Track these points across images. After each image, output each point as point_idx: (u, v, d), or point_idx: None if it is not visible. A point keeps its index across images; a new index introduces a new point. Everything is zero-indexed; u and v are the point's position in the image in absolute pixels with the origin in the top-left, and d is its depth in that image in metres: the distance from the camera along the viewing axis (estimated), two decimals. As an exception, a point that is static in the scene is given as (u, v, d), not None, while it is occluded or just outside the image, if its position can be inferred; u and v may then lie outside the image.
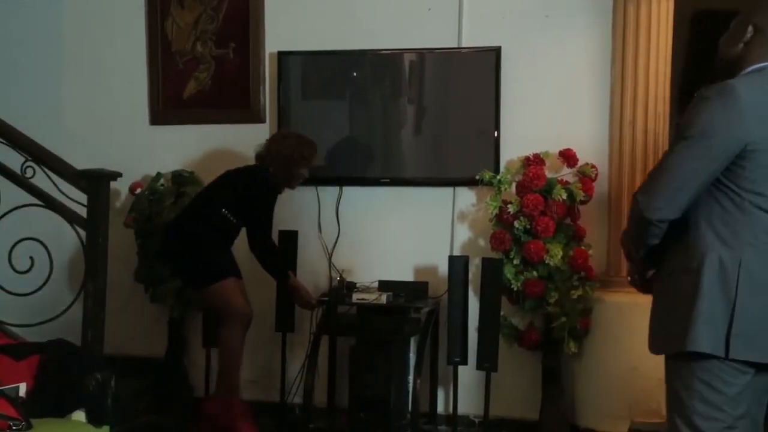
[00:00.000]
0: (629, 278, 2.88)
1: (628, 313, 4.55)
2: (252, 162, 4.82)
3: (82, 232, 4.09)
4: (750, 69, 2.59)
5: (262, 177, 4.65)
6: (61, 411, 3.36)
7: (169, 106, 5.43)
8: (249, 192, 4.61)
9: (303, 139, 4.73)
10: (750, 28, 2.60)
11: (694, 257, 2.54)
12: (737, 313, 2.50)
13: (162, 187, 5.21)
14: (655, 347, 2.69)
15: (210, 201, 4.66)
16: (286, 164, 4.64)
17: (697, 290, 2.51)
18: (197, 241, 4.59)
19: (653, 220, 2.55)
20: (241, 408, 4.61)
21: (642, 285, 2.82)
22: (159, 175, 5.25)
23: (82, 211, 4.19)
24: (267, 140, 4.79)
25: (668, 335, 2.60)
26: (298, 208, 5.03)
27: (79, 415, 3.37)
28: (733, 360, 2.51)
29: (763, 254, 2.53)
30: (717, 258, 2.52)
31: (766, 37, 2.58)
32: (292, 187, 4.74)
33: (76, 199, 4.15)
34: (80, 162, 4.32)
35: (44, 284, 4.12)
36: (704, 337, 2.50)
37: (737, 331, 2.49)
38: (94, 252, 4.04)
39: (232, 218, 4.61)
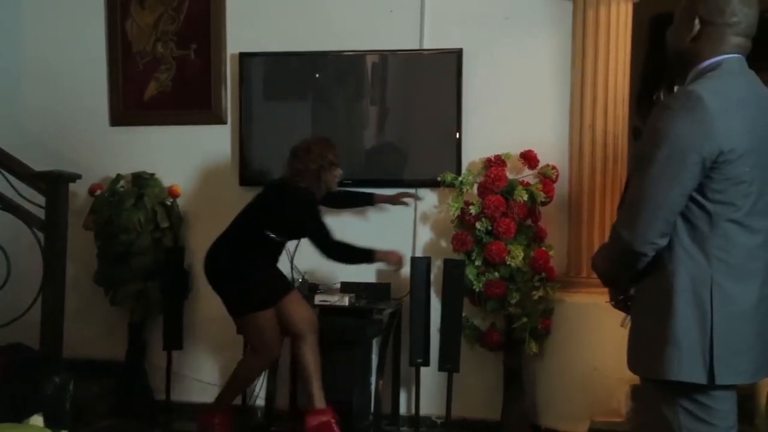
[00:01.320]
0: (612, 302, 2.70)
1: (588, 313, 4.59)
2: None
3: (40, 235, 4.06)
4: (704, 65, 2.45)
5: (304, 198, 4.52)
6: (19, 415, 3.33)
7: (129, 107, 5.39)
8: (298, 216, 4.52)
9: (322, 144, 4.58)
10: (696, 21, 2.45)
11: (664, 277, 2.42)
12: (716, 336, 2.38)
13: (122, 189, 5.17)
14: (633, 367, 2.58)
15: (252, 224, 4.55)
16: (318, 176, 4.53)
17: (669, 314, 2.40)
18: (238, 267, 4.51)
19: (647, 253, 2.40)
20: (221, 420, 4.63)
21: (625, 306, 2.66)
22: (119, 176, 5.21)
23: (41, 213, 4.17)
24: (289, 162, 4.60)
25: (644, 359, 2.49)
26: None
27: (38, 420, 3.34)
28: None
29: (735, 268, 2.41)
30: (687, 277, 2.40)
31: (715, 29, 2.44)
32: (332, 188, 4.63)
33: (34, 201, 4.11)
34: (38, 163, 4.29)
35: (1, 287, 4.07)
36: (678, 365, 2.39)
37: (719, 354, 2.37)
38: (52, 254, 4.02)
39: (276, 238, 4.55)
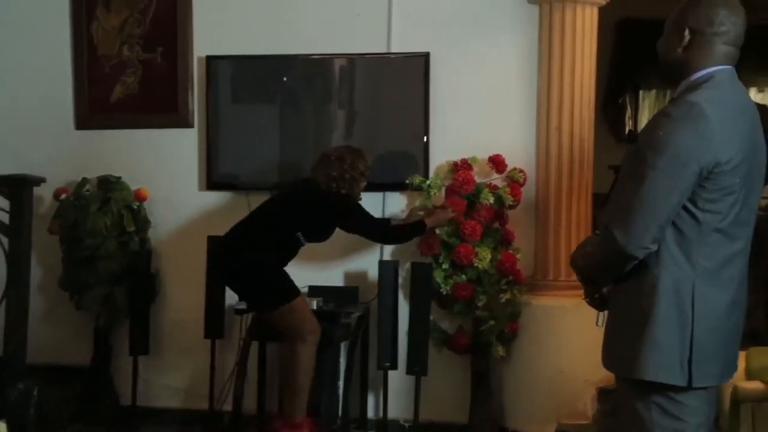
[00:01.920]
0: (586, 299, 2.76)
1: (555, 316, 4.62)
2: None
3: (4, 239, 4.02)
4: (697, 76, 2.52)
5: (346, 201, 4.52)
6: (-18, 422, 3.30)
7: (95, 110, 5.35)
8: (345, 218, 4.53)
9: (353, 154, 4.56)
10: (686, 32, 2.52)
11: (647, 280, 2.49)
12: (695, 340, 2.46)
13: (88, 193, 5.13)
14: (608, 365, 2.65)
15: (285, 225, 4.50)
16: (354, 183, 4.54)
17: (650, 316, 2.47)
18: (267, 262, 4.43)
19: (639, 257, 2.46)
20: (312, 427, 4.52)
21: (601, 304, 2.73)
22: (85, 180, 5.17)
23: (5, 218, 4.12)
24: (320, 166, 4.55)
25: (621, 357, 2.55)
26: (228, 214, 4.99)
27: (1, 426, 3.32)
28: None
29: (715, 274, 2.49)
30: (671, 281, 2.47)
31: (704, 39, 2.51)
32: (358, 199, 4.62)
33: (-3, 204, 4.07)
34: (2, 167, 4.25)
35: (-36, 292, 4.03)
36: (656, 366, 2.46)
37: (697, 357, 2.46)
38: (16, 259, 3.99)
39: (303, 240, 4.52)
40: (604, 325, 2.68)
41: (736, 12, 2.52)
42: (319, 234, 4.59)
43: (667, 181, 2.40)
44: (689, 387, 2.48)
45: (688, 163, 2.39)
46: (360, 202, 4.58)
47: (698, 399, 2.53)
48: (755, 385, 3.30)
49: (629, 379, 2.54)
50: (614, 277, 2.58)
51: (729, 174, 2.43)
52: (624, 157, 2.70)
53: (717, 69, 2.50)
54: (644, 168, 2.42)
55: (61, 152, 5.32)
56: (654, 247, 2.45)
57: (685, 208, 2.45)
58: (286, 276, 4.46)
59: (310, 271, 4.92)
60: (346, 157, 4.52)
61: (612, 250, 2.48)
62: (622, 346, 2.54)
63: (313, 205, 4.53)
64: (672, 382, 2.46)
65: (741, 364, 3.70)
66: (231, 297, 4.82)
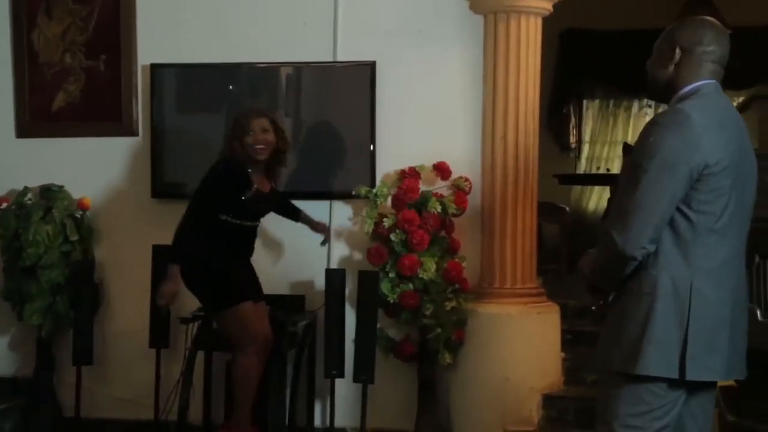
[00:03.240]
0: (594, 308, 2.98)
1: (501, 324, 4.66)
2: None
3: (-56, 249, 3.95)
4: (685, 90, 2.71)
5: (214, 165, 4.42)
6: None
7: (36, 118, 5.27)
8: (202, 181, 4.40)
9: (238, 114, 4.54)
10: (678, 50, 2.72)
11: (647, 280, 2.64)
12: (690, 337, 2.60)
13: (30, 202, 5.06)
14: (598, 363, 2.79)
15: (204, 206, 4.38)
16: (229, 144, 4.40)
17: (650, 315, 2.61)
18: (202, 258, 4.33)
19: (637, 257, 2.61)
20: None
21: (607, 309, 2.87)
22: (26, 189, 5.10)
23: (-56, 227, 4.05)
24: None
25: (618, 356, 2.67)
26: (174, 223, 4.95)
27: (-60, 440, 3.25)
28: (663, 379, 2.62)
29: (712, 274, 2.64)
30: (669, 281, 2.62)
31: (693, 56, 2.71)
32: (254, 157, 4.38)
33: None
34: (-58, 177, 4.18)
35: None
36: (657, 362, 2.60)
37: (691, 353, 2.60)
38: (-44, 270, 3.91)
39: (236, 221, 4.37)
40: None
41: (723, 33, 2.75)
42: (240, 208, 4.38)
43: (658, 183, 2.57)
44: (686, 383, 2.63)
45: (677, 166, 2.56)
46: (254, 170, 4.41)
47: (668, 396, 2.66)
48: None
49: (618, 373, 2.67)
50: (618, 281, 2.71)
51: (719, 176, 2.60)
52: (621, 169, 2.84)
53: (703, 83, 2.71)
54: (638, 173, 2.60)
55: (1, 161, 5.24)
56: (652, 248, 2.61)
57: (679, 210, 2.61)
58: (235, 280, 4.40)
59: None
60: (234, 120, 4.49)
61: (613, 253, 2.64)
62: (623, 344, 2.66)
63: (209, 175, 4.41)
64: (666, 375, 2.61)
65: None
66: (176, 307, 4.77)
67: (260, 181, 4.47)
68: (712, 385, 2.76)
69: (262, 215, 4.59)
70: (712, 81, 2.73)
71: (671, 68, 2.74)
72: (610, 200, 2.94)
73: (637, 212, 2.58)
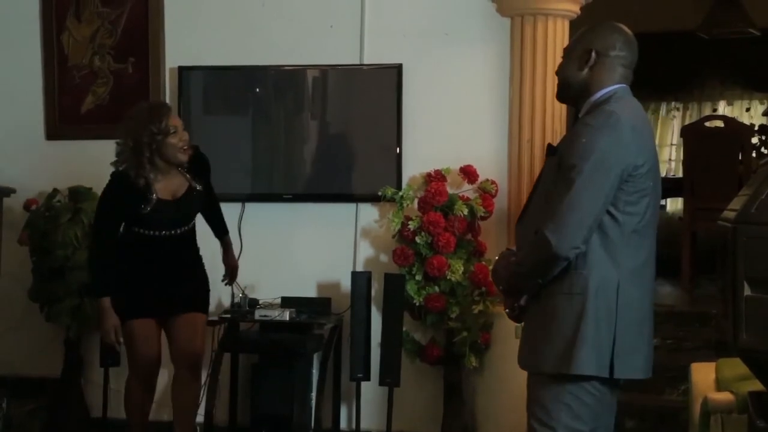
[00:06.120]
0: (507, 311, 2.91)
1: (527, 327, 4.63)
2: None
3: (-26, 250, 3.98)
4: (601, 93, 2.75)
5: (111, 180, 4.12)
6: (-50, 435, 3.26)
7: (66, 120, 5.32)
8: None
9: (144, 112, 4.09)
10: (593, 54, 2.76)
11: (577, 281, 2.67)
12: (618, 336, 2.66)
13: (59, 204, 5.09)
14: (527, 365, 2.80)
15: (100, 232, 4.14)
16: (137, 153, 4.01)
17: (582, 315, 2.65)
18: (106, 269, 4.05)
19: (570, 257, 2.64)
20: None
21: (519, 315, 2.88)
22: (56, 191, 5.13)
23: (-26, 229, 4.08)
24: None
25: (551, 356, 2.69)
26: (199, 224, 4.97)
27: (-30, 440, 3.28)
28: (595, 378, 2.67)
29: (636, 275, 2.70)
30: (599, 281, 2.66)
31: (608, 61, 2.77)
32: (178, 161, 4.00)
33: (-33, 216, 4.04)
34: (-28, 178, 4.21)
35: (-67, 304, 3.99)
36: (590, 361, 2.65)
37: (618, 352, 2.66)
38: (-15, 271, 3.94)
39: (148, 232, 4.03)
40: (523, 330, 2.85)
41: (632, 40, 2.82)
42: (147, 220, 4.00)
43: (593, 184, 2.61)
44: (611, 380, 2.69)
45: (611, 167, 2.62)
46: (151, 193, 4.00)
47: (605, 396, 2.73)
48: (724, 396, 3.34)
49: (548, 374, 2.70)
50: (542, 282, 2.72)
51: (644, 177, 2.68)
52: (542, 171, 2.89)
53: (617, 87, 2.76)
54: (572, 174, 2.63)
55: (31, 163, 5.28)
56: (584, 248, 2.64)
57: (607, 211, 2.65)
58: (132, 295, 4.05)
59: (283, 282, 4.91)
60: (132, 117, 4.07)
61: (545, 253, 2.64)
62: (556, 345, 2.68)
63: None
64: (597, 374, 2.65)
65: (710, 375, 3.74)
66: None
67: (172, 185, 4.08)
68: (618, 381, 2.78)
69: (181, 224, 4.12)
70: (624, 85, 2.78)
71: (586, 71, 2.78)
72: (527, 204, 2.94)
73: (571, 212, 2.61)
